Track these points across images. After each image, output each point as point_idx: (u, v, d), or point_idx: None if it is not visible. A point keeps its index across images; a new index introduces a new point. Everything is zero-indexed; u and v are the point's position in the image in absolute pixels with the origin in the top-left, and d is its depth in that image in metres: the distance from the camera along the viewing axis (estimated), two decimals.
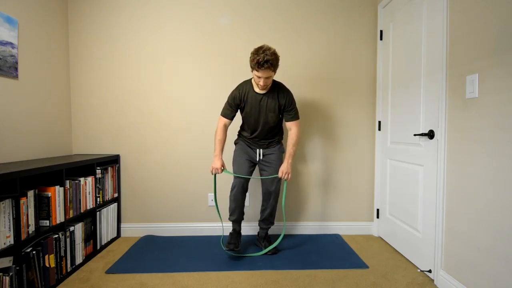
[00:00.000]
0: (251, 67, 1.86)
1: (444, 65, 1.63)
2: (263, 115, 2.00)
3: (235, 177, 2.04)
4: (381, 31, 2.42)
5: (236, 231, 2.10)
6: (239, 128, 2.21)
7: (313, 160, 2.53)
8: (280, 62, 2.49)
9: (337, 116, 2.51)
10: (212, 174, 2.04)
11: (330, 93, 2.50)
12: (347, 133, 2.52)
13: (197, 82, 2.48)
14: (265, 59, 1.75)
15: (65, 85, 2.42)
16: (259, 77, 1.84)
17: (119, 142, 2.50)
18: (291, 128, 2.03)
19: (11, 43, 1.87)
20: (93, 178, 2.13)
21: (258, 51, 1.79)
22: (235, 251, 2.01)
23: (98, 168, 2.21)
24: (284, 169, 1.97)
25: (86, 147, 2.50)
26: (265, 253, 2.06)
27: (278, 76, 2.47)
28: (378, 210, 2.49)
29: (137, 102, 2.48)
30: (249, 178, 2.05)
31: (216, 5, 2.45)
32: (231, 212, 2.09)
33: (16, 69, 1.91)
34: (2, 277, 1.37)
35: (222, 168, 2.00)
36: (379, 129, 2.47)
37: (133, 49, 2.46)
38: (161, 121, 2.49)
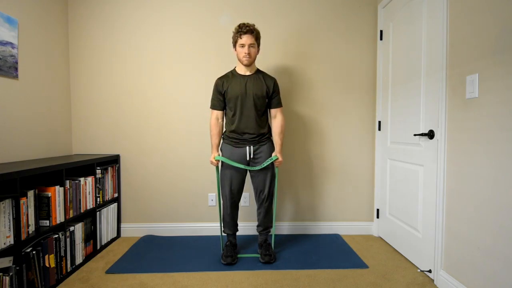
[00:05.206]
0: (234, 41, 1.91)
1: (444, 65, 1.63)
2: (249, 98, 1.92)
3: (224, 200, 2.03)
4: (381, 31, 2.42)
5: (232, 244, 2.09)
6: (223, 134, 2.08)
7: (312, 160, 2.53)
8: (281, 63, 2.51)
9: (337, 115, 2.51)
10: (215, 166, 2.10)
11: (330, 93, 2.50)
12: (347, 133, 2.52)
13: (197, 82, 2.48)
14: (245, 24, 1.88)
15: (65, 85, 2.42)
16: (242, 46, 1.87)
17: (119, 142, 2.50)
18: (276, 116, 2.02)
19: (11, 43, 1.87)
20: (93, 178, 2.13)
21: (239, 25, 1.91)
22: (233, 264, 1.97)
23: (98, 168, 2.21)
24: (280, 160, 2.00)
25: (86, 147, 2.50)
26: (260, 261, 1.98)
27: (278, 77, 2.48)
28: (378, 210, 2.49)
29: (137, 102, 2.48)
30: (241, 195, 2.05)
31: (217, 5, 2.46)
32: (225, 225, 2.08)
33: (16, 69, 1.91)
34: (2, 277, 1.37)
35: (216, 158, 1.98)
36: (379, 129, 2.47)
37: (133, 49, 2.46)
38: (161, 121, 2.49)
